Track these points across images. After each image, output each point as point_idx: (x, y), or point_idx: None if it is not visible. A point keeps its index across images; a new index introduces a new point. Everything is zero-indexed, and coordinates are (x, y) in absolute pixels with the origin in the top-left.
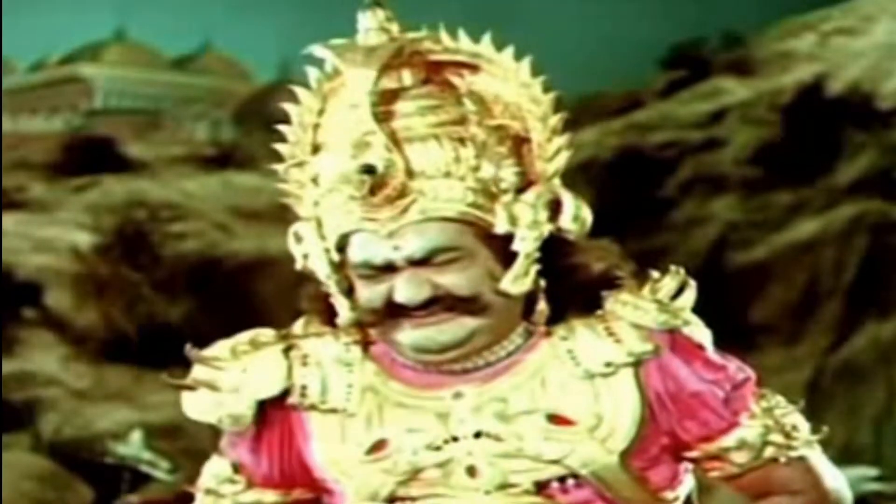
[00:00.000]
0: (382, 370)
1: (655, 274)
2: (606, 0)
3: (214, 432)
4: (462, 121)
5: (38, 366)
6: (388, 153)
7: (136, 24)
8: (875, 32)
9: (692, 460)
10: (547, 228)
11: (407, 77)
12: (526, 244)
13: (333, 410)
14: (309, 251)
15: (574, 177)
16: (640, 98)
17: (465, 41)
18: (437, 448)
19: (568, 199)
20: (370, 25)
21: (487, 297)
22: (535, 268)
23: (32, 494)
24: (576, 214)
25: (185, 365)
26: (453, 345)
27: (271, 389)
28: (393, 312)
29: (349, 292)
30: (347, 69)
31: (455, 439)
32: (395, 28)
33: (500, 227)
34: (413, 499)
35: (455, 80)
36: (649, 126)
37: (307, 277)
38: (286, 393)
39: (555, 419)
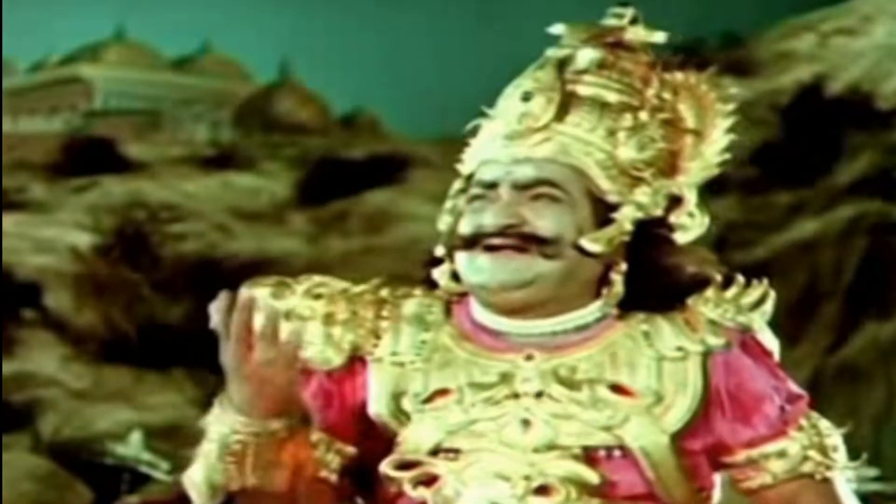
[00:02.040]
0: (458, 332)
1: (741, 279)
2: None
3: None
4: (638, 107)
5: (37, 366)
6: (550, 91)
7: (136, 25)
8: (875, 33)
9: (728, 466)
10: (655, 213)
11: (622, 60)
12: (626, 214)
13: (400, 364)
14: (449, 198)
15: None
16: None
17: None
18: (497, 403)
19: (691, 198)
20: (614, 22)
21: (565, 245)
22: (621, 240)
23: (32, 495)
24: (691, 213)
25: (185, 365)
26: (513, 284)
27: (369, 340)
28: (475, 242)
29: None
30: (566, 33)
31: (516, 396)
32: (639, 26)
33: (613, 195)
34: (457, 451)
35: (656, 79)
36: None
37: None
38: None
39: (617, 389)
